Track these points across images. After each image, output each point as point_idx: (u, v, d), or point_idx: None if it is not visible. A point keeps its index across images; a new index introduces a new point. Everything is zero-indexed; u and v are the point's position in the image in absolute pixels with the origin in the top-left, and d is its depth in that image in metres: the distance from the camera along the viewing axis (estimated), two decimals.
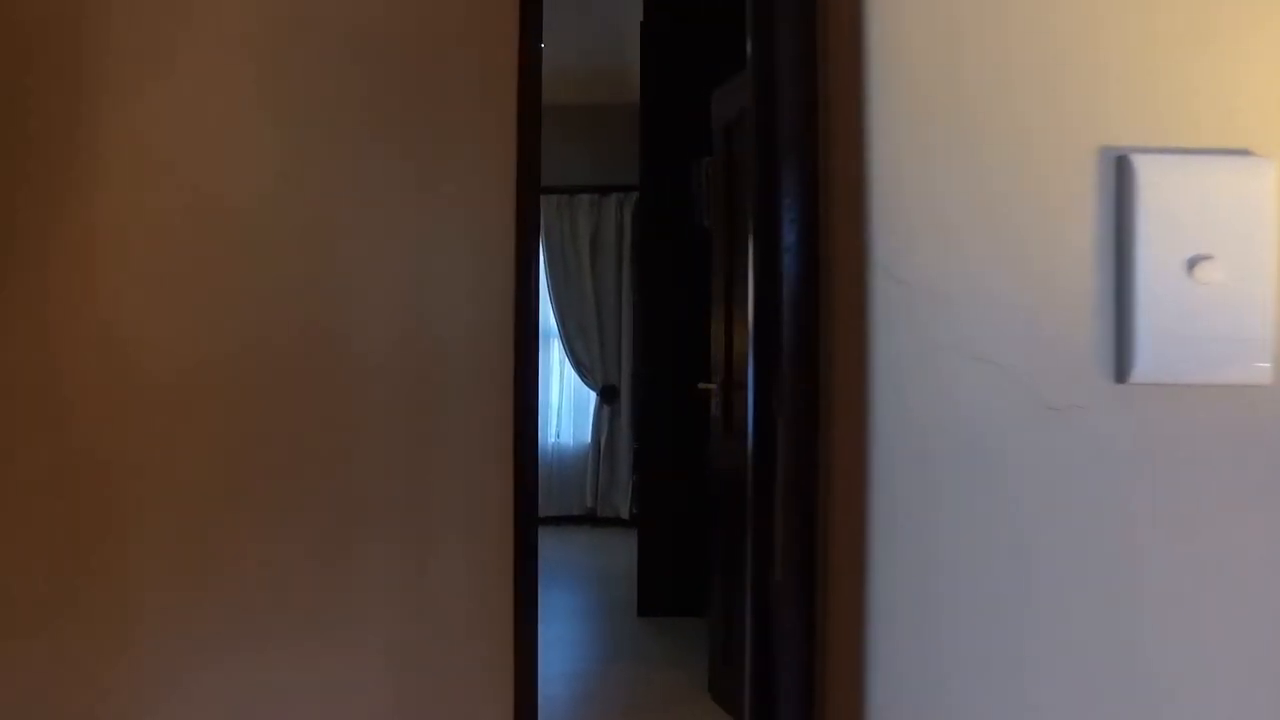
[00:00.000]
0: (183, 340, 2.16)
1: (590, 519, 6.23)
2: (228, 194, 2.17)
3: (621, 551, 5.42)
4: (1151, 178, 0.63)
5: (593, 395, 6.27)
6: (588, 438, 6.31)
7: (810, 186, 0.64)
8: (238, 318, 2.17)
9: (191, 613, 2.14)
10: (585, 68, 5.70)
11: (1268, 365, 0.64)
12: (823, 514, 0.65)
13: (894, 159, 0.59)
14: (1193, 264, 0.62)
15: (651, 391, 4.18)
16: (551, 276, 6.13)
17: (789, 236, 0.64)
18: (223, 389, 2.16)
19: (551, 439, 6.29)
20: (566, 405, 6.43)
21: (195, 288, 2.16)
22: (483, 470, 2.24)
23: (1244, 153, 0.64)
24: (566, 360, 6.22)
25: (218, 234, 2.17)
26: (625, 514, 6.14)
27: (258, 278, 2.18)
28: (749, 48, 0.80)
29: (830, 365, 0.63)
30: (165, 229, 2.16)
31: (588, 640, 3.64)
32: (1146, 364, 0.63)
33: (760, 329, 0.70)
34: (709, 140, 3.98)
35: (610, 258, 6.21)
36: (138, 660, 2.12)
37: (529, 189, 2.22)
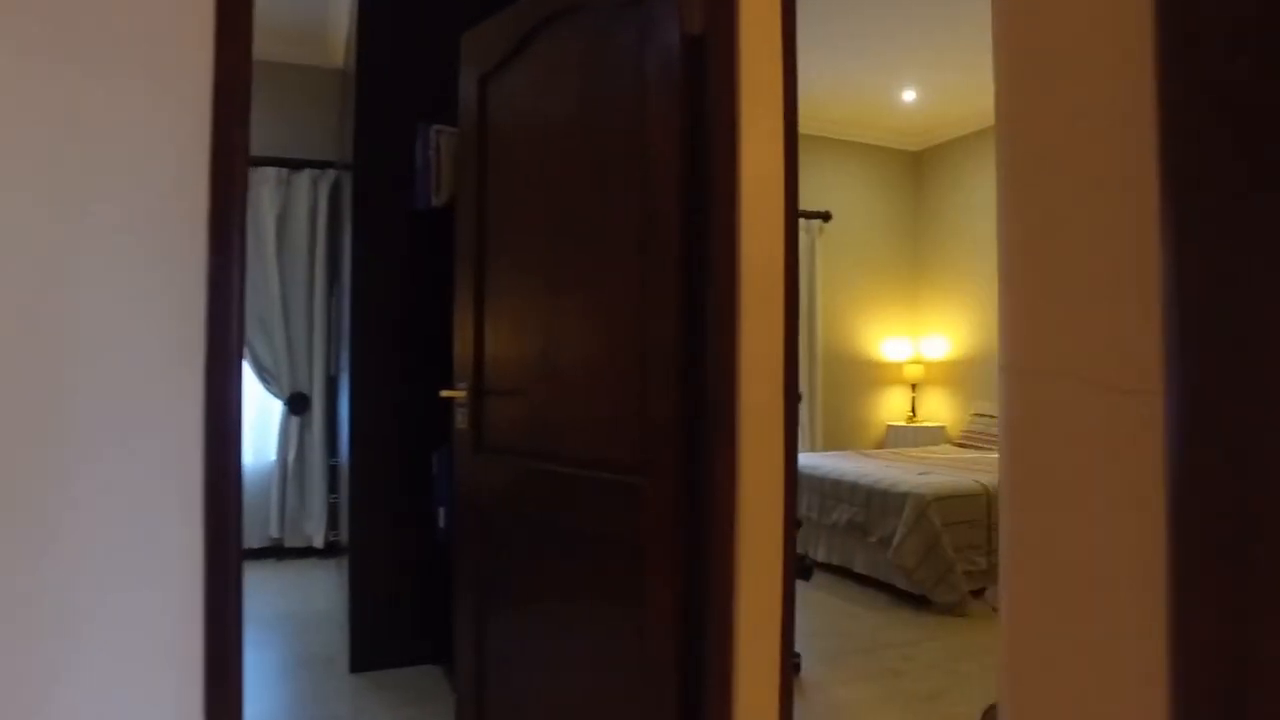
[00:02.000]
0: None
1: (276, 551, 5.31)
2: None
3: (319, 588, 4.63)
4: None
5: (278, 404, 5.35)
6: (272, 455, 5.37)
7: None
8: None
9: None
10: (276, 24, 4.83)
11: None
12: None
13: None
14: None
15: (363, 400, 3.52)
16: None
17: None
18: None
19: None
20: (245, 417, 5.43)
21: None
22: (152, 515, 1.56)
23: None
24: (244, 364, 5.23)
25: None
26: (320, 542, 5.31)
27: None
28: None
29: None
30: None
31: (294, 712, 2.92)
32: None
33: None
34: (433, 106, 3.44)
35: (300, 244, 5.32)
36: None
37: (233, 121, 1.59)
